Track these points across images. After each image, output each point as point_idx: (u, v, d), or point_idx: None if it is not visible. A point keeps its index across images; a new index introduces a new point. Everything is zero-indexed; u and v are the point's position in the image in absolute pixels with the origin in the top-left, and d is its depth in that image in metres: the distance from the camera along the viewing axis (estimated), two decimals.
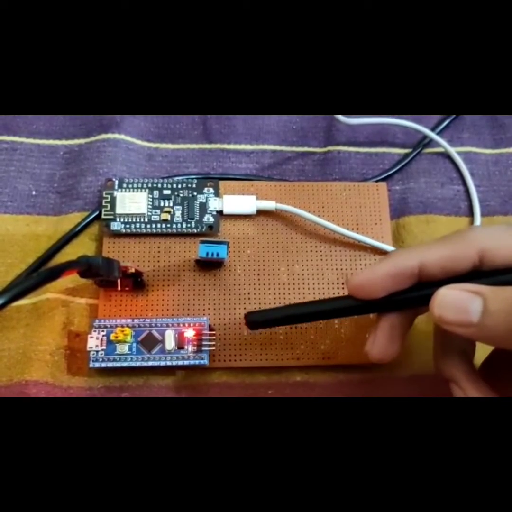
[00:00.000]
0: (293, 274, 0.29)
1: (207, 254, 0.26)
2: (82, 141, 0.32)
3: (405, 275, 0.20)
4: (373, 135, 0.35)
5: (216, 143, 0.33)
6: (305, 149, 0.34)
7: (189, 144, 0.33)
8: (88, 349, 0.26)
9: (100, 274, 0.22)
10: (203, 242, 0.26)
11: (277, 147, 0.34)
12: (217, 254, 0.26)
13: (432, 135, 0.34)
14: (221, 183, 0.31)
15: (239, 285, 0.29)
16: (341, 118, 0.30)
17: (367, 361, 0.22)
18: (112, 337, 0.26)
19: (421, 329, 0.28)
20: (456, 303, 0.18)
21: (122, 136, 0.32)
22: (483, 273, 0.19)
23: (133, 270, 0.26)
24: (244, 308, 0.28)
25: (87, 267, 0.20)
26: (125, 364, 0.26)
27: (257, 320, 0.24)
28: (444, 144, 0.34)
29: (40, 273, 0.17)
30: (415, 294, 0.20)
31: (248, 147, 0.33)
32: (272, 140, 0.34)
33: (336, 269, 0.30)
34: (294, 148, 0.34)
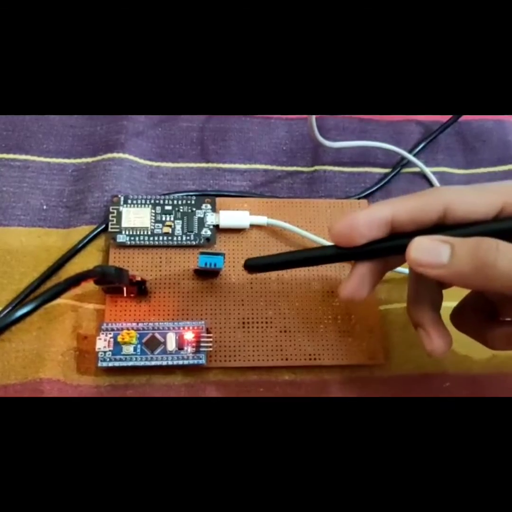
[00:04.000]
0: (282, 283, 0.32)
1: (206, 264, 0.29)
2: (89, 159, 0.35)
3: (380, 223, 0.22)
4: (356, 156, 0.38)
5: (212, 162, 0.36)
6: (294, 168, 0.37)
7: (187, 163, 0.36)
8: (96, 349, 0.28)
9: (113, 281, 0.24)
10: (202, 253, 0.29)
11: (269, 167, 0.37)
12: (215, 265, 0.29)
13: (409, 156, 0.37)
14: (217, 199, 0.34)
15: (234, 292, 0.32)
16: (326, 142, 0.33)
17: (348, 363, 0.24)
18: (119, 339, 0.28)
19: (398, 340, 0.31)
20: (429, 248, 0.21)
21: (126, 155, 0.35)
22: (447, 226, 0.22)
23: (139, 279, 0.29)
24: (238, 313, 0.31)
25: (102, 275, 0.23)
26: (130, 363, 0.28)
27: (255, 264, 0.26)
28: (420, 164, 0.37)
29: (65, 280, 0.20)
30: (391, 243, 0.22)
31: (242, 166, 0.37)
32: (264, 160, 0.37)
33: (321, 278, 0.33)
34: (284, 168, 0.37)
